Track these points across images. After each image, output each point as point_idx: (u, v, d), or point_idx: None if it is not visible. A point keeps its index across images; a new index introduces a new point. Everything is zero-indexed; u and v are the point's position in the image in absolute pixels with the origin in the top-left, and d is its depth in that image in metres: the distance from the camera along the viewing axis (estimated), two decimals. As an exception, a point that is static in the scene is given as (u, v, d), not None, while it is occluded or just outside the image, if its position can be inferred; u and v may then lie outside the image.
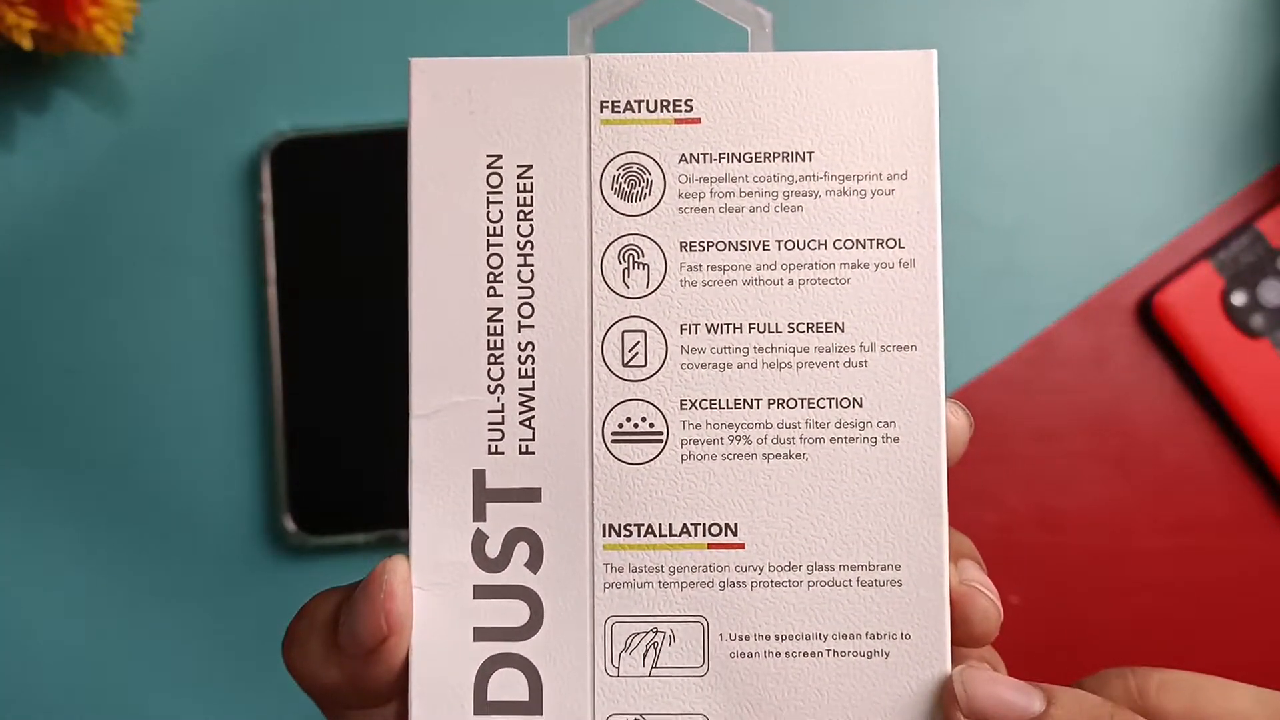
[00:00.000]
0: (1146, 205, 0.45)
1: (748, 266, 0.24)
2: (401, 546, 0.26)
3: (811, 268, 0.24)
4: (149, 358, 0.45)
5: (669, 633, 0.24)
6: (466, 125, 0.24)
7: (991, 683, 0.24)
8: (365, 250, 0.44)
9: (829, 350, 0.24)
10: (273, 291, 0.44)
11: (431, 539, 0.24)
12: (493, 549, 0.24)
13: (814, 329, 0.24)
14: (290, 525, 0.43)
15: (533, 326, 0.24)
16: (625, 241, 0.25)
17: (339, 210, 0.44)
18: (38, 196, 0.45)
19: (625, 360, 0.24)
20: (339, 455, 0.44)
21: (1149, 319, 0.44)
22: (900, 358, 0.24)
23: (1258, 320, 0.44)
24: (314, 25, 0.45)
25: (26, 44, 0.42)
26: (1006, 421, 0.44)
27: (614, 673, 0.24)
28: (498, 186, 0.24)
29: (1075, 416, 0.44)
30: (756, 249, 0.24)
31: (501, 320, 0.24)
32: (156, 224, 0.45)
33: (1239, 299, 0.44)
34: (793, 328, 0.24)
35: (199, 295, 0.45)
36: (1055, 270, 0.44)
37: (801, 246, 0.24)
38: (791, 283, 0.24)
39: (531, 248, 0.24)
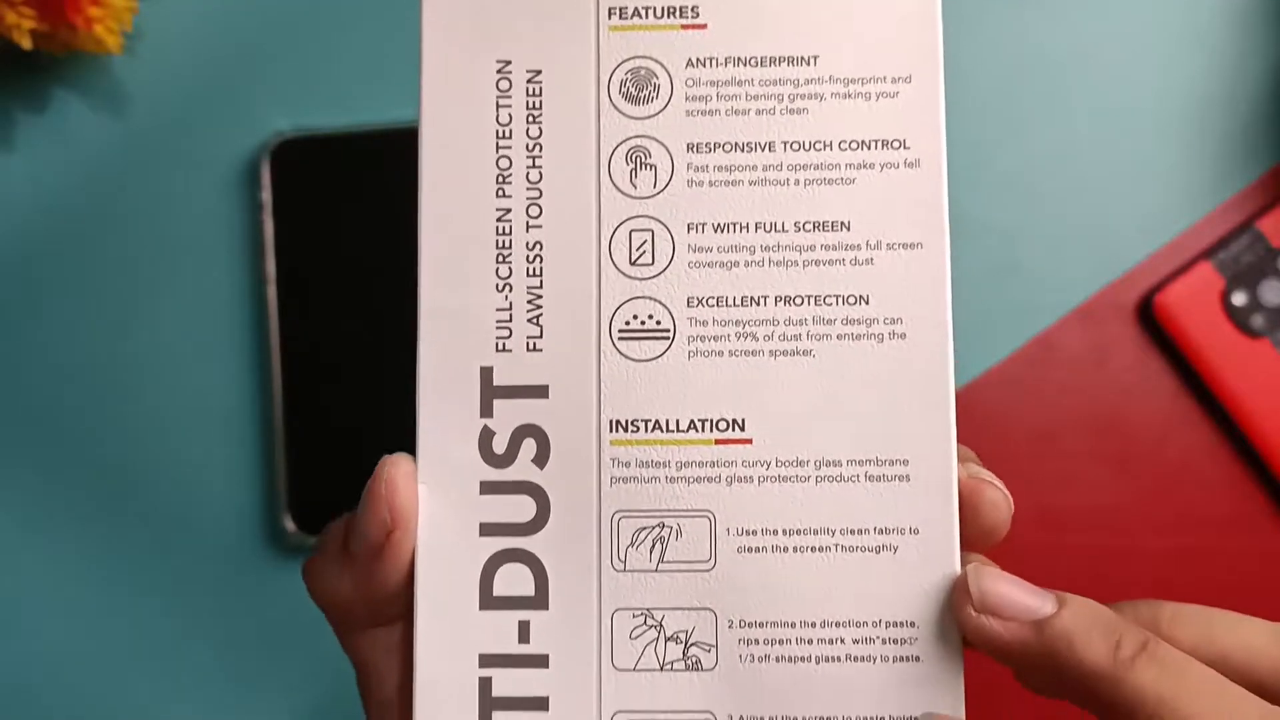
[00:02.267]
0: (1146, 205, 0.45)
1: (754, 168, 0.25)
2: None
3: (817, 168, 0.24)
4: (148, 357, 0.45)
5: (675, 527, 0.24)
6: (477, 32, 0.25)
7: (1004, 580, 0.24)
8: (365, 250, 0.44)
9: (835, 249, 0.24)
10: (273, 291, 0.44)
11: (438, 436, 0.24)
12: (499, 445, 0.24)
13: (820, 228, 0.24)
14: (290, 525, 0.43)
15: (541, 227, 0.25)
16: (633, 143, 0.25)
17: (339, 210, 0.44)
18: (37, 196, 0.45)
19: (633, 259, 0.25)
20: (339, 455, 0.44)
21: (1149, 319, 0.44)
22: (906, 255, 0.24)
23: (1258, 320, 0.44)
24: (314, 25, 0.45)
25: (26, 44, 0.42)
26: (1006, 421, 0.44)
27: (620, 567, 0.24)
28: (507, 91, 0.25)
29: (1075, 416, 0.44)
30: (763, 150, 0.25)
31: (510, 221, 0.25)
32: (156, 224, 0.45)
33: (1239, 299, 0.44)
34: (799, 227, 0.24)
35: (199, 295, 0.45)
36: (1055, 270, 0.44)
37: (807, 148, 0.25)
38: (798, 183, 0.24)
39: (540, 150, 0.25)
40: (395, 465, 0.24)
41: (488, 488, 0.24)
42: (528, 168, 0.25)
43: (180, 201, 0.45)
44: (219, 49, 0.45)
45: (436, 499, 0.24)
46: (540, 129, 0.25)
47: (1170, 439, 0.44)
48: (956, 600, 0.24)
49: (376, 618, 0.25)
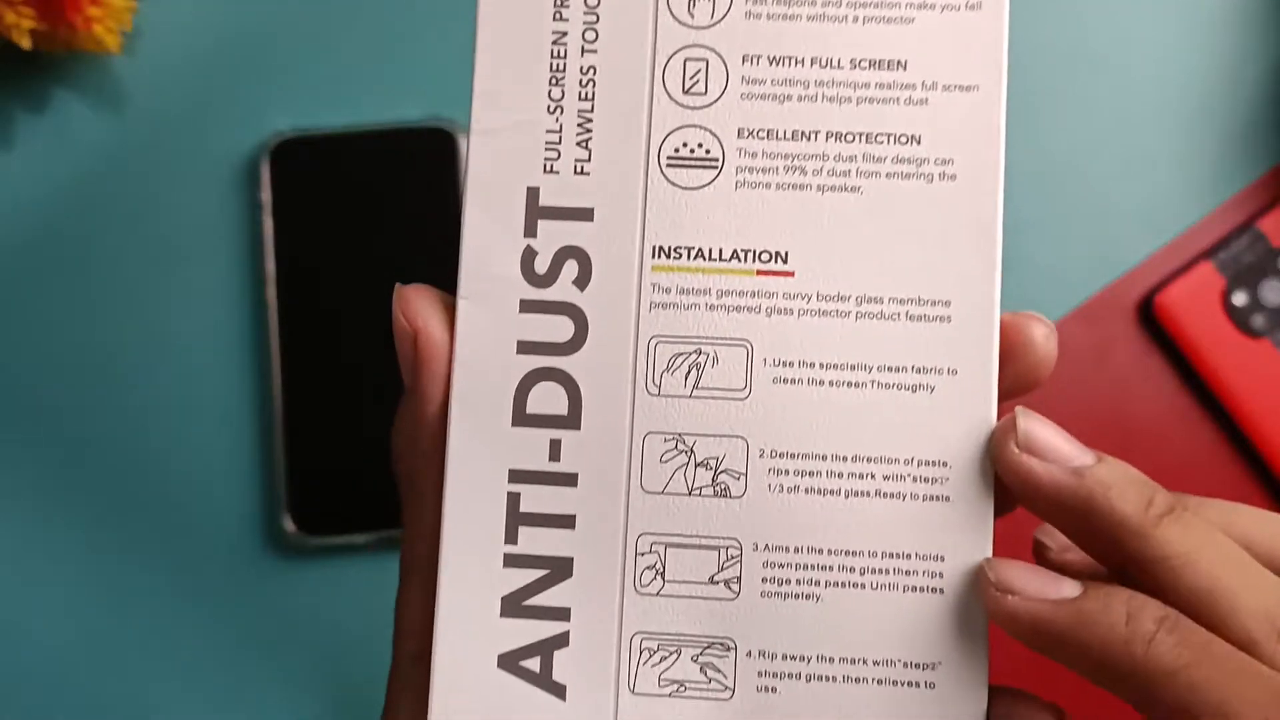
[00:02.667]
0: (1147, 205, 0.45)
1: (812, 3, 0.24)
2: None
3: (876, 6, 0.24)
4: (148, 357, 0.45)
5: (712, 354, 0.24)
6: None
7: (1050, 426, 0.24)
8: (365, 250, 0.44)
9: (889, 87, 0.24)
10: (272, 291, 0.44)
11: (481, 252, 0.24)
12: (541, 265, 0.24)
13: (875, 65, 0.24)
14: (290, 525, 0.43)
15: (595, 51, 0.24)
16: None
17: (339, 210, 0.44)
18: (37, 196, 0.45)
19: (686, 87, 0.24)
20: (339, 455, 0.44)
21: (1150, 318, 0.44)
22: (961, 97, 0.24)
23: (1258, 320, 0.44)
24: (314, 25, 0.45)
25: (26, 43, 0.42)
26: (1007, 421, 0.44)
27: (654, 391, 0.24)
28: None
29: (1076, 415, 0.44)
30: None
31: (565, 44, 0.25)
32: (156, 223, 0.45)
33: (1240, 299, 0.44)
34: (854, 63, 0.24)
35: (198, 295, 0.45)
36: (1056, 269, 0.44)
37: None
38: (856, 20, 0.24)
39: None
40: (400, 287, 0.25)
41: (527, 306, 0.24)
42: None
43: (180, 201, 0.45)
44: (218, 49, 0.45)
45: (476, 313, 0.24)
46: None
47: (1170, 438, 0.44)
48: (999, 437, 0.24)
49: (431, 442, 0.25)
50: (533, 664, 0.23)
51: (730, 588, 0.24)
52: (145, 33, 0.45)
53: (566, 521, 0.24)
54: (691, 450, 0.24)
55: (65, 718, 0.44)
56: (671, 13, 0.25)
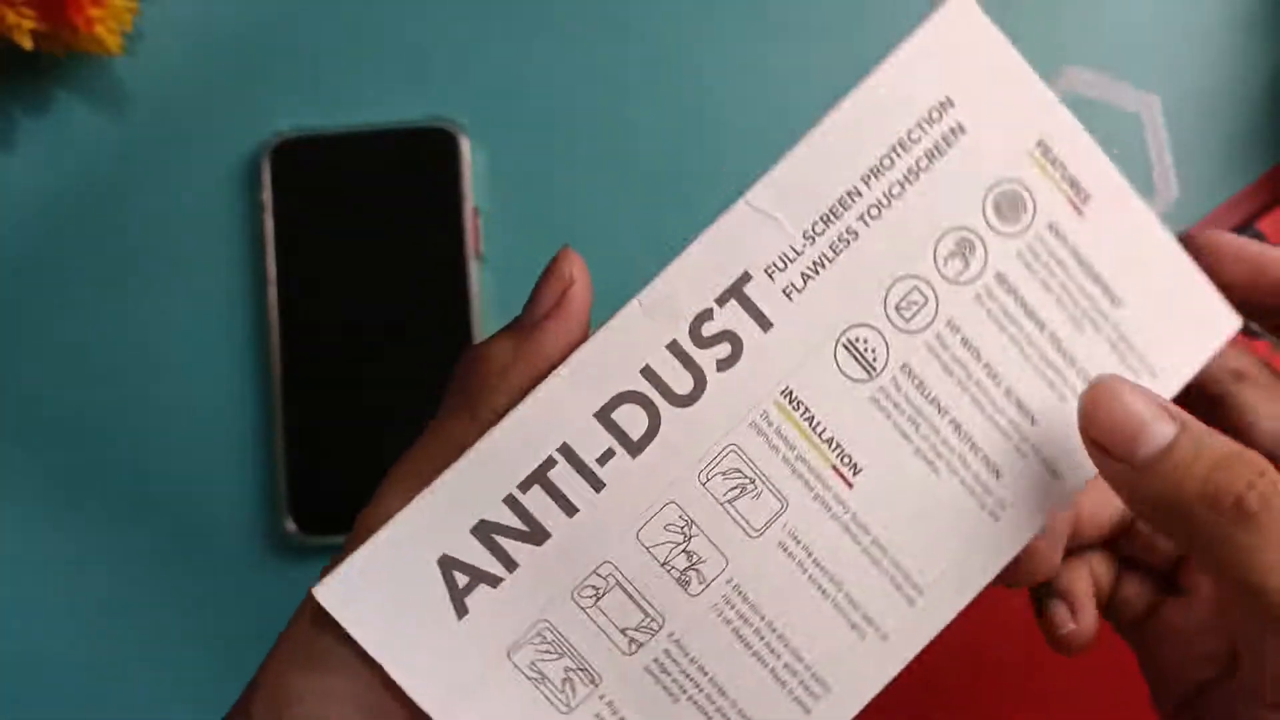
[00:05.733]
0: (1145, 204, 0.45)
1: (1019, 327, 0.27)
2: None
3: (1049, 367, 0.27)
4: (149, 358, 0.45)
5: (758, 491, 0.26)
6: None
7: (1120, 398, 0.25)
8: (365, 250, 0.44)
9: (1011, 428, 0.27)
10: (273, 291, 0.44)
11: (679, 284, 0.26)
12: (708, 330, 0.26)
13: (1019, 407, 0.27)
14: (290, 525, 0.44)
15: (877, 218, 0.26)
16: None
17: (339, 210, 0.44)
18: (37, 197, 0.45)
19: (900, 305, 0.27)
20: (339, 455, 0.44)
21: (1149, 319, 0.44)
22: (1049, 479, 0.27)
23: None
24: (314, 25, 0.45)
25: (27, 44, 0.42)
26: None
27: (702, 479, 0.26)
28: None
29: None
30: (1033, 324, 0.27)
31: (871, 180, 0.27)
32: (156, 224, 0.45)
33: (1239, 299, 0.44)
34: (1009, 394, 0.27)
35: (199, 295, 0.45)
36: (1055, 270, 0.44)
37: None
38: (1027, 360, 0.27)
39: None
40: (575, 254, 0.26)
41: (673, 349, 0.26)
42: None
43: (180, 201, 0.45)
44: (219, 49, 0.45)
45: (636, 317, 0.26)
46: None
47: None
48: (1082, 420, 0.25)
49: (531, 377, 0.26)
50: (461, 579, 0.25)
51: (631, 645, 0.26)
52: (146, 33, 0.45)
53: (572, 510, 0.26)
54: (689, 538, 0.26)
55: (64, 716, 0.44)
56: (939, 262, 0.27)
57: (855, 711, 0.26)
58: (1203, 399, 0.28)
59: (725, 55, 0.45)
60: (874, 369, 0.26)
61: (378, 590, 0.25)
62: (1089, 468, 0.26)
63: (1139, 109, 0.27)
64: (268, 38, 0.45)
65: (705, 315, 0.26)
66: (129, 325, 0.45)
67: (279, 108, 0.45)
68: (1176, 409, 0.25)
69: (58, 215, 0.45)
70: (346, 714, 0.25)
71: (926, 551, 0.26)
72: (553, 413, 0.25)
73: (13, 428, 0.45)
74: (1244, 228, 0.44)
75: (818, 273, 0.26)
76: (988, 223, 0.26)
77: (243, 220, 0.45)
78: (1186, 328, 0.27)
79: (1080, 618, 0.30)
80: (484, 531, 0.25)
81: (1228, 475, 0.23)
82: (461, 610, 0.25)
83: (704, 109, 0.45)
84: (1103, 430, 0.24)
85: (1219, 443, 0.24)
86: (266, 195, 0.44)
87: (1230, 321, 0.27)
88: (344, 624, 0.25)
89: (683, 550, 0.26)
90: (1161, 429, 0.24)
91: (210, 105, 0.45)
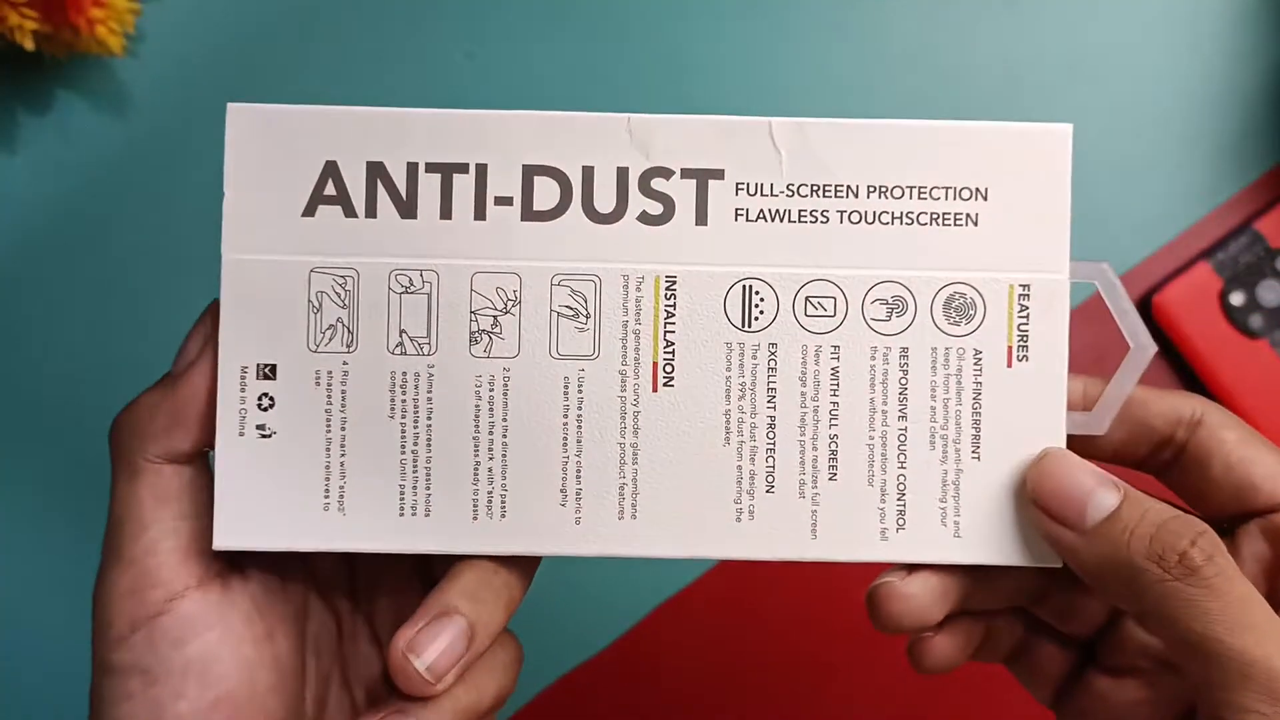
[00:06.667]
0: (1146, 205, 0.45)
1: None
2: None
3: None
4: (149, 358, 0.45)
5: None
6: None
7: (1060, 468, 0.26)
8: (366, 250, 0.44)
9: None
10: (274, 292, 0.44)
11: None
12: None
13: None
14: (291, 524, 0.44)
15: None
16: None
17: (340, 210, 0.44)
18: (39, 198, 0.45)
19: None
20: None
21: (1148, 319, 0.44)
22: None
23: (1256, 320, 0.44)
24: (314, 26, 0.45)
25: (29, 45, 0.42)
26: (1005, 421, 0.44)
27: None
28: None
29: (1074, 416, 0.44)
30: None
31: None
32: (158, 224, 0.45)
33: (1238, 299, 0.44)
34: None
35: (200, 296, 0.45)
36: (1054, 270, 0.44)
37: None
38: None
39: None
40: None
41: (641, 178, 0.27)
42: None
43: (181, 202, 0.45)
44: (220, 50, 0.45)
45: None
46: None
47: (1169, 439, 0.44)
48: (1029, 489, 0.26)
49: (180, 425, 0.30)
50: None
51: (396, 347, 0.27)
52: (148, 34, 0.45)
53: (449, 213, 0.27)
54: (507, 312, 0.27)
55: (65, 716, 0.45)
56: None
57: (512, 552, 0.27)
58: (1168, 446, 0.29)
59: (725, 55, 0.45)
60: (749, 326, 0.27)
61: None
62: (825, 550, 0.27)
63: (1094, 279, 0.27)
64: (269, 39, 0.45)
65: (664, 172, 0.27)
66: (130, 326, 0.45)
67: (280, 108, 0.45)
68: (1117, 479, 0.26)
69: (59, 216, 0.45)
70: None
71: (664, 491, 0.27)
72: (489, 132, 0.27)
73: (13, 426, 0.45)
74: (1242, 228, 0.44)
75: (772, 221, 0.27)
76: (931, 305, 0.27)
77: (244, 221, 0.45)
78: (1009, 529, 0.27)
79: (946, 636, 0.28)
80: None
81: (1171, 534, 0.25)
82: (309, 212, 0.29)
83: (704, 109, 0.45)
84: (1052, 498, 0.25)
85: (1160, 506, 0.25)
86: (267, 196, 0.44)
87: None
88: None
89: (494, 315, 0.27)
90: (1106, 496, 0.25)
91: (211, 106, 0.45)
